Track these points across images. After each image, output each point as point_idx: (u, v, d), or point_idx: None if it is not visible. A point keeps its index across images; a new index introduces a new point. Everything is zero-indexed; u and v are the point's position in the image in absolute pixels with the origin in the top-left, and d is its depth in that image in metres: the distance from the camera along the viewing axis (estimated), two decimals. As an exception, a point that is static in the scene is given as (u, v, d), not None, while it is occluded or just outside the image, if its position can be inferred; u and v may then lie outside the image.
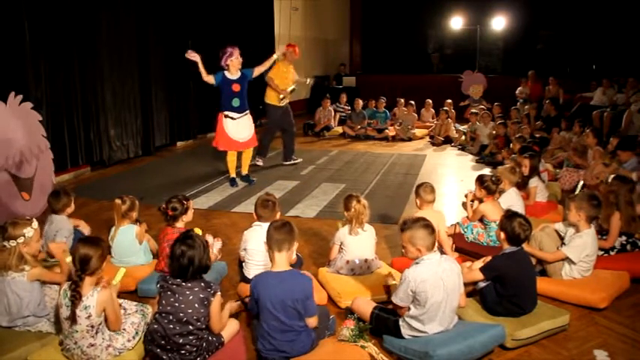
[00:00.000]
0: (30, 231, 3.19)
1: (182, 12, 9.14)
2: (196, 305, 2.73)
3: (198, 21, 9.53)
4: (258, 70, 6.67)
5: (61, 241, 3.82)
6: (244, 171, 6.93)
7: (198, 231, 2.94)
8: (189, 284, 2.76)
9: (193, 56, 6.15)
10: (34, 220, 3.31)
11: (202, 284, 2.78)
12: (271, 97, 7.48)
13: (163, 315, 2.75)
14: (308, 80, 7.83)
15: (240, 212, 5.66)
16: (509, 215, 3.38)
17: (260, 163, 7.69)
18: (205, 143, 9.85)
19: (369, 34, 15.96)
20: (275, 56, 6.94)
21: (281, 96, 7.48)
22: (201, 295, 2.74)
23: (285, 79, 7.49)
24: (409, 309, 3.00)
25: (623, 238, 4.20)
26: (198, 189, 6.57)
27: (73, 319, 2.69)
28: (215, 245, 4.06)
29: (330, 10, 14.94)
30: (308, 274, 3.35)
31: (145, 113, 8.51)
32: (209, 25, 9.74)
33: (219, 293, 2.81)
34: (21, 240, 3.14)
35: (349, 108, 11.64)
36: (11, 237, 3.12)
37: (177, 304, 2.73)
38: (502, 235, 3.36)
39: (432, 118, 11.50)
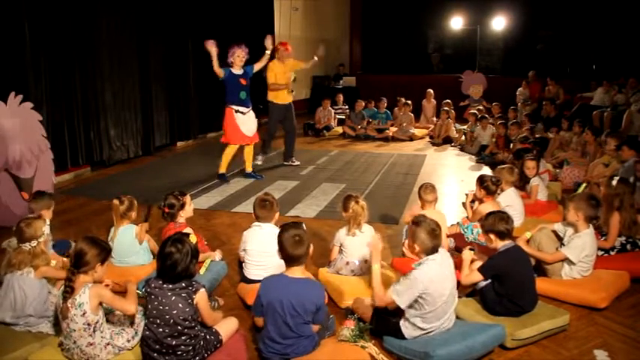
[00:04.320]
0: (47, 227, 3.24)
1: (182, 12, 9.14)
2: (180, 305, 2.71)
3: (198, 21, 9.53)
4: (257, 67, 6.90)
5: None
6: (249, 168, 7.15)
7: (193, 238, 2.92)
8: (171, 286, 2.74)
9: (211, 46, 6.39)
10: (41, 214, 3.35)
11: (183, 284, 2.76)
12: (273, 95, 7.54)
13: (151, 320, 2.75)
14: (321, 50, 7.80)
15: (240, 212, 5.66)
16: (485, 217, 3.44)
17: (260, 161, 7.77)
18: (205, 143, 9.87)
19: (369, 34, 15.94)
20: (267, 52, 6.98)
21: (292, 76, 7.61)
22: (183, 295, 2.73)
23: (286, 75, 7.56)
24: (413, 308, 2.97)
25: (623, 237, 4.20)
26: (199, 189, 6.57)
27: (64, 314, 2.69)
28: (214, 255, 4.09)
29: (330, 10, 14.94)
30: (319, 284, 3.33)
31: (145, 113, 8.51)
32: (209, 25, 9.72)
33: (202, 290, 2.79)
34: (42, 238, 3.19)
35: (347, 107, 11.63)
36: (32, 237, 3.16)
37: (161, 307, 2.71)
38: (491, 236, 3.37)
39: (433, 110, 11.48)
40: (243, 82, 6.63)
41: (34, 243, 3.15)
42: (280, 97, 7.53)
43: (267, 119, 7.80)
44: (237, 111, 6.65)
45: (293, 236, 2.84)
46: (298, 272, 2.89)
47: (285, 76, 7.47)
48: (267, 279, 2.94)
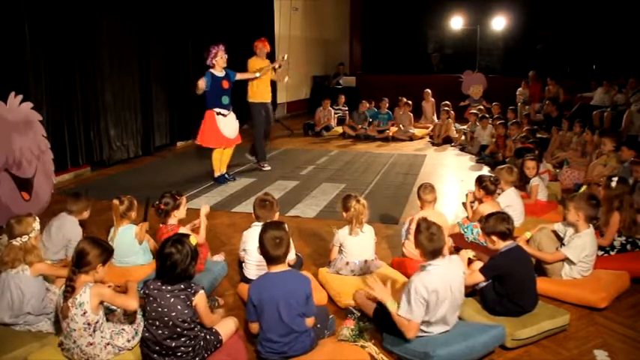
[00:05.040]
0: (37, 224, 3.25)
1: (182, 12, 9.14)
2: (179, 307, 2.72)
3: (198, 21, 9.53)
4: (240, 76, 6.82)
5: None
6: (224, 169, 7.00)
7: (193, 240, 2.93)
8: (170, 287, 2.74)
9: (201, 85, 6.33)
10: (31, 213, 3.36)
11: (182, 285, 2.77)
12: (255, 95, 7.24)
13: (150, 322, 2.76)
14: (285, 56, 7.59)
15: (240, 212, 5.66)
16: (485, 218, 3.43)
17: (267, 167, 7.63)
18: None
19: (369, 34, 15.94)
20: (257, 74, 6.98)
21: (280, 58, 7.48)
22: (182, 296, 2.73)
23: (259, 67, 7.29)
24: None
25: (623, 237, 4.20)
26: (199, 189, 6.57)
27: (64, 313, 2.70)
28: (216, 257, 4.13)
29: (330, 10, 14.94)
30: (307, 274, 3.37)
31: (145, 113, 8.51)
32: (209, 25, 9.73)
33: (201, 292, 2.80)
34: (33, 234, 3.19)
35: (346, 109, 11.62)
36: (22, 233, 3.16)
37: (160, 309, 2.72)
38: (493, 237, 3.36)
39: (432, 109, 11.48)
40: (225, 85, 6.49)
41: (24, 238, 3.15)
42: (259, 96, 7.25)
43: (250, 121, 7.59)
44: (218, 113, 6.53)
45: (273, 238, 2.87)
46: (281, 268, 2.93)
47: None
48: (254, 281, 2.96)
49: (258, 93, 7.24)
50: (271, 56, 7.68)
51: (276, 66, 7.43)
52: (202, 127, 6.64)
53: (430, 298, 2.85)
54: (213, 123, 6.55)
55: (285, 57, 7.58)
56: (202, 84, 6.32)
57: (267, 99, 7.40)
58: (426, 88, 11.78)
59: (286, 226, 3.02)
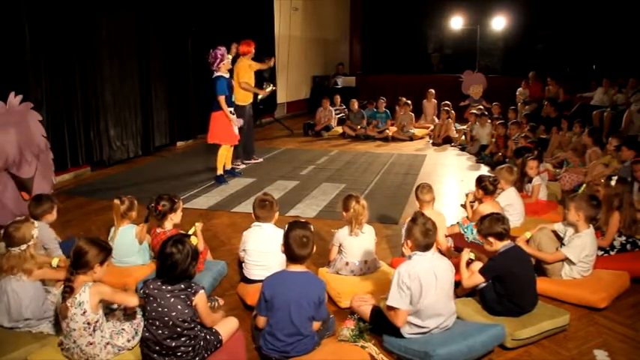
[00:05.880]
0: (36, 230, 3.21)
1: (182, 12, 9.14)
2: (179, 307, 2.72)
3: (199, 21, 9.53)
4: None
5: (61, 256, 3.78)
6: (229, 165, 7.25)
7: (194, 240, 2.93)
8: (170, 287, 2.74)
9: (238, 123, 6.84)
10: (29, 217, 3.34)
11: (182, 285, 2.76)
12: (240, 99, 7.44)
13: (150, 322, 2.75)
14: (270, 87, 8.27)
15: (240, 212, 5.67)
16: (480, 220, 3.43)
17: (241, 166, 7.77)
18: (205, 143, 9.85)
19: (369, 34, 15.94)
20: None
21: (268, 89, 8.07)
22: (182, 296, 2.73)
23: (251, 73, 7.60)
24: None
25: (623, 237, 4.20)
26: (199, 189, 6.57)
27: (63, 313, 2.70)
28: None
29: (330, 10, 14.94)
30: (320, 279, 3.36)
31: (145, 113, 8.51)
32: (209, 24, 9.73)
33: (201, 291, 2.79)
34: (32, 242, 3.16)
35: (344, 107, 11.62)
36: (22, 241, 3.12)
37: (160, 309, 2.71)
38: (490, 239, 3.35)
39: (434, 110, 11.49)
40: (232, 84, 6.83)
41: (23, 247, 3.12)
42: (242, 98, 7.48)
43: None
44: (231, 112, 6.73)
45: (301, 237, 2.87)
46: (300, 268, 2.93)
47: (250, 74, 7.55)
48: (270, 276, 2.96)
49: (243, 95, 7.48)
50: (271, 54, 7.84)
51: (268, 89, 8.10)
52: (216, 127, 6.76)
53: (413, 285, 2.86)
54: (227, 121, 6.70)
55: (271, 88, 8.28)
56: (224, 102, 6.60)
57: (250, 101, 7.68)
58: (430, 89, 11.75)
59: (312, 226, 3.00)
